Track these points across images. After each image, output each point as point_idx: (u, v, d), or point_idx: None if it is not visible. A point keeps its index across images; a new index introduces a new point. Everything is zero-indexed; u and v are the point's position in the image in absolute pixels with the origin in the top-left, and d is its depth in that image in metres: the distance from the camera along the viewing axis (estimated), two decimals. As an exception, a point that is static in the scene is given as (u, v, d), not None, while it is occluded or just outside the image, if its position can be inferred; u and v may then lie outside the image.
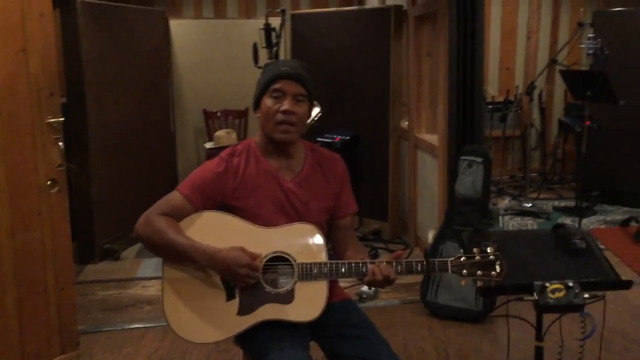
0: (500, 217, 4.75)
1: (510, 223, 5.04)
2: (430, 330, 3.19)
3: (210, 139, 5.36)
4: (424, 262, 1.75)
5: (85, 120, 4.16)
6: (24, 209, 2.64)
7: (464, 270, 1.74)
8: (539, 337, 1.93)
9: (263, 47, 4.13)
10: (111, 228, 4.36)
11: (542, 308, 1.77)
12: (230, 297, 1.75)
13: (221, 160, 1.89)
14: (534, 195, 5.69)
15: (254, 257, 1.74)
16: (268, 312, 1.74)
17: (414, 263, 1.75)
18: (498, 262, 1.74)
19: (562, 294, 1.75)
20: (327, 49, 4.75)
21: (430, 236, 3.61)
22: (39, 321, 2.73)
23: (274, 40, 4.13)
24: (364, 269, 1.75)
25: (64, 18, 4.12)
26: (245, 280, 1.73)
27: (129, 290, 3.82)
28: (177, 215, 1.81)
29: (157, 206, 1.82)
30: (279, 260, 1.79)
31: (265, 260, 1.78)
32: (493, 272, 1.74)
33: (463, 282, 1.75)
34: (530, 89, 5.19)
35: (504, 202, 5.53)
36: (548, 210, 5.27)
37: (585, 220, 4.93)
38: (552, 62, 5.04)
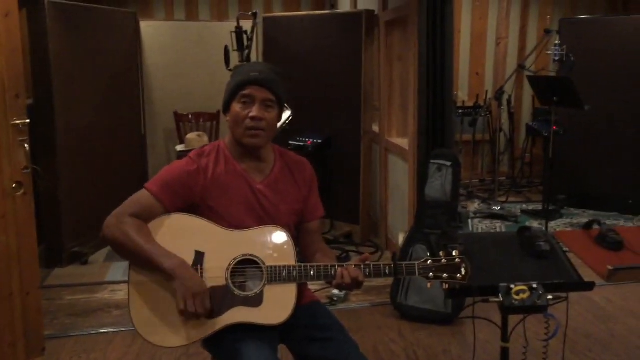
0: (469, 220, 4.82)
1: (480, 226, 5.11)
2: (400, 333, 3.22)
3: (182, 142, 5.32)
4: (392, 265, 1.76)
5: (53, 122, 4.09)
6: (-12, 212, 2.59)
7: (431, 273, 1.76)
8: (505, 338, 1.96)
9: (234, 50, 4.12)
10: (79, 231, 4.30)
11: (506, 309, 1.80)
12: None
13: (190, 160, 1.88)
14: (503, 198, 5.79)
15: (207, 302, 1.71)
16: (236, 315, 1.73)
17: (382, 266, 1.77)
18: (463, 265, 1.77)
19: (526, 295, 1.78)
20: (299, 53, 4.75)
21: (401, 239, 3.65)
22: (4, 326, 2.67)
23: (245, 43, 4.13)
24: (332, 272, 1.76)
25: (31, 18, 4.05)
26: (189, 305, 1.67)
27: (97, 295, 3.77)
28: (146, 216, 1.79)
29: (126, 206, 1.80)
30: (248, 263, 1.79)
31: (234, 264, 1.77)
32: (458, 275, 1.76)
33: (429, 285, 1.78)
34: (499, 94, 5.27)
35: (474, 206, 5.61)
36: (516, 214, 5.36)
37: (552, 223, 5.02)
38: (520, 68, 5.13)
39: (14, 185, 2.68)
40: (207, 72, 5.57)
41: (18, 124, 2.67)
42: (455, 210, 3.46)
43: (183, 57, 5.64)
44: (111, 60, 4.70)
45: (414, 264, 1.77)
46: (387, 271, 1.77)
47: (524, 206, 5.66)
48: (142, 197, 1.82)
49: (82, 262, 4.29)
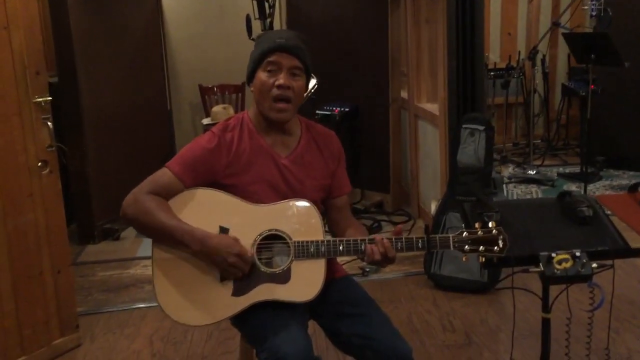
0: (504, 186, 4.67)
1: (514, 191, 4.97)
2: (434, 303, 3.15)
3: (207, 115, 5.27)
4: (425, 239, 1.68)
5: (78, 99, 4.07)
6: (14, 191, 2.57)
7: (466, 247, 1.67)
8: (546, 308, 1.87)
9: (256, 19, 4.00)
10: (110, 208, 4.29)
11: (548, 279, 1.71)
12: (224, 277, 1.69)
13: (213, 136, 1.80)
14: (538, 162, 5.61)
15: (245, 252, 1.67)
16: (264, 292, 1.68)
17: (414, 240, 1.69)
18: (501, 237, 1.67)
19: (569, 264, 1.68)
20: (323, 19, 4.63)
21: (433, 207, 3.55)
22: (36, 305, 2.69)
23: (267, 11, 4.01)
24: (362, 247, 1.69)
25: (52, -6, 4.01)
26: (232, 269, 1.66)
27: (129, 270, 3.78)
28: (167, 195, 1.73)
29: (146, 184, 1.75)
30: (274, 238, 1.72)
31: (260, 239, 1.71)
32: (496, 248, 1.67)
33: (464, 259, 1.69)
34: (532, 54, 5.06)
35: (508, 170, 5.45)
36: (553, 177, 5.19)
37: (590, 186, 4.85)
38: (555, 25, 4.90)
39: (39, 163, 2.66)
40: (230, 43, 5.48)
41: (40, 101, 2.64)
42: (489, 176, 3.34)
43: (205, 28, 5.55)
44: (133, 35, 4.65)
45: (449, 236, 1.68)
46: (419, 245, 1.69)
47: (561, 169, 5.48)
48: (162, 175, 1.76)
49: (114, 238, 4.31)
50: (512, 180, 5.18)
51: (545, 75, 5.98)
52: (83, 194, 4.20)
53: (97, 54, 4.23)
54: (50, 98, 2.68)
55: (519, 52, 6.08)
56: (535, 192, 4.93)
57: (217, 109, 4.96)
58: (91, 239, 4.27)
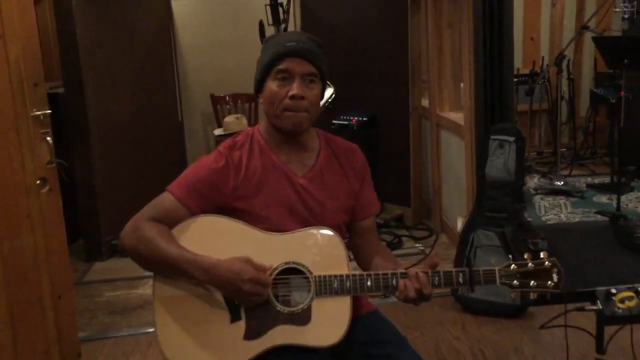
0: (532, 198, 4.44)
1: (542, 203, 4.71)
2: (463, 328, 2.92)
3: (219, 125, 5.09)
4: (466, 273, 1.46)
5: (85, 110, 3.91)
6: (11, 212, 2.38)
7: (515, 281, 1.45)
8: (600, 349, 1.65)
9: (270, 25, 3.82)
10: (118, 223, 4.03)
11: (608, 320, 1.49)
12: (235, 318, 1.48)
13: (219, 155, 1.60)
14: (565, 172, 5.35)
15: (262, 269, 1.47)
16: (280, 335, 1.46)
17: (453, 274, 1.47)
18: (555, 270, 1.45)
19: (633, 302, 1.46)
20: (340, 24, 4.44)
21: (460, 224, 3.33)
22: (35, 333, 2.49)
23: (281, 17, 3.82)
24: (394, 282, 1.47)
25: (57, 1, 3.85)
26: (250, 298, 1.45)
27: (137, 290, 3.59)
28: (169, 222, 1.53)
29: (146, 211, 1.55)
30: (292, 272, 1.51)
31: (275, 274, 1.50)
32: (549, 282, 1.45)
33: (513, 295, 1.46)
34: (559, 59, 4.82)
35: (533, 181, 5.20)
36: (582, 188, 4.93)
37: (623, 198, 4.57)
38: (584, 29, 4.65)
39: (37, 181, 2.47)
40: (243, 51, 5.29)
41: (39, 115, 2.45)
42: (521, 190, 3.10)
43: (217, 35, 5.37)
44: (143, 43, 4.48)
45: (494, 269, 1.46)
46: (460, 280, 1.47)
47: (589, 179, 5.21)
48: (164, 201, 1.56)
49: (122, 255, 4.12)
50: (539, 191, 4.93)
51: (570, 82, 5.73)
52: (90, 208, 4.03)
53: (105, 62, 4.07)
54: (49, 111, 2.49)
55: (542, 57, 5.85)
56: (564, 204, 4.67)
57: (229, 119, 4.77)
58: (98, 255, 4.10)
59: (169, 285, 1.51)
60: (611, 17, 5.63)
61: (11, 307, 2.40)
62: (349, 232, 1.73)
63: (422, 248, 3.94)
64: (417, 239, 4.12)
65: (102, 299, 3.51)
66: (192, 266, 1.45)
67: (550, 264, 1.45)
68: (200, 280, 1.46)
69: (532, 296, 1.46)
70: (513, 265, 1.46)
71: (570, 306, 1.50)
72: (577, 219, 4.27)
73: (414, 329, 2.92)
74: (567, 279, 1.52)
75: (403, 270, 1.49)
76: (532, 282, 1.45)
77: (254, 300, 1.46)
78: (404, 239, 4.12)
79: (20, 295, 2.43)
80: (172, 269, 1.48)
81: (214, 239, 1.52)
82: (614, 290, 1.50)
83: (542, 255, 1.47)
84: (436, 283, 1.47)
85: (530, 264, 1.46)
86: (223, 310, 1.48)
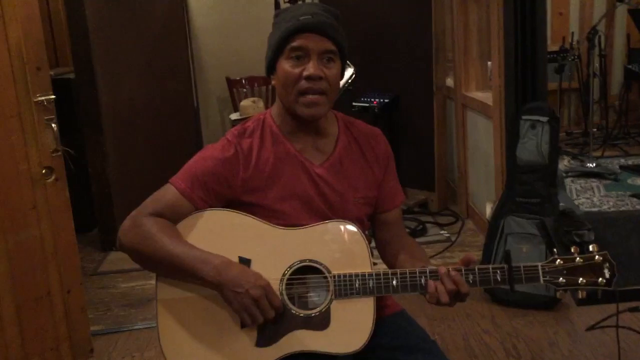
0: (564, 182, 4.22)
1: (573, 186, 4.49)
2: (493, 321, 2.75)
3: (235, 110, 4.94)
4: (505, 269, 1.29)
5: (96, 96, 3.77)
6: (15, 203, 2.28)
7: (561, 278, 1.28)
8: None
9: (286, 2, 3.65)
10: (133, 211, 4.02)
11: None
12: (245, 322, 1.33)
13: (227, 143, 1.44)
14: (597, 153, 5.10)
15: (273, 290, 1.31)
16: (297, 342, 1.31)
17: (490, 271, 1.31)
18: (607, 265, 1.27)
19: (696, 303, 1.27)
20: (359, 1, 4.24)
21: (489, 210, 3.15)
22: (44, 330, 2.40)
23: (298, -7, 3.65)
24: (422, 281, 1.31)
25: (65, -17, 3.73)
26: (253, 310, 1.27)
27: (153, 281, 3.43)
28: (172, 217, 1.39)
29: (147, 205, 1.41)
30: (309, 271, 1.36)
31: (289, 273, 1.35)
32: (600, 279, 1.27)
33: (558, 294, 1.30)
34: (592, 34, 4.56)
35: (563, 163, 4.97)
36: (615, 170, 4.68)
37: (660, 180, 4.34)
38: (619, 1, 4.38)
39: (43, 171, 2.36)
40: (260, 31, 5.08)
41: (42, 100, 2.33)
42: (555, 174, 2.91)
43: (232, 16, 5.20)
44: (155, 25, 4.34)
45: (537, 265, 1.29)
46: (498, 277, 1.30)
47: (622, 161, 4.96)
48: (166, 193, 1.41)
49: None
50: (569, 174, 4.70)
51: (602, 58, 5.45)
52: (104, 197, 3.93)
53: (116, 46, 3.94)
54: (54, 96, 2.37)
55: (572, 32, 5.57)
56: (596, 186, 4.44)
57: (246, 102, 4.61)
58: (113, 245, 3.98)
59: (174, 286, 1.37)
60: (645, -11, 5.34)
61: (18, 304, 2.31)
62: (372, 226, 1.57)
63: (447, 235, 3.77)
64: (442, 226, 3.94)
65: (117, 290, 3.40)
66: (199, 265, 1.30)
67: (601, 257, 1.28)
68: (209, 280, 1.30)
69: (581, 295, 1.29)
70: (558, 260, 1.29)
71: (625, 310, 1.33)
72: (611, 203, 4.07)
73: (440, 322, 2.77)
74: (618, 276, 1.35)
75: (433, 267, 1.33)
76: (581, 279, 1.28)
77: (254, 312, 1.28)
78: (428, 225, 3.94)
79: (27, 290, 2.34)
80: (177, 269, 1.34)
81: (223, 235, 1.37)
82: (674, 289, 1.33)
83: (591, 248, 1.30)
84: (470, 282, 1.31)
85: (578, 258, 1.28)
86: (233, 314, 1.33)
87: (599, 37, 5.13)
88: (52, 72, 3.80)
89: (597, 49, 5.06)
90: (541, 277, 1.29)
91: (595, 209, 3.99)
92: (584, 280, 1.27)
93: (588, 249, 1.30)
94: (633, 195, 4.12)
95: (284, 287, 1.34)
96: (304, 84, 1.37)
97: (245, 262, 1.34)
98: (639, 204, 4.02)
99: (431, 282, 1.29)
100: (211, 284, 1.31)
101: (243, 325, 1.32)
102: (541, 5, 2.93)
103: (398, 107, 4.17)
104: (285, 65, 1.39)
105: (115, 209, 3.97)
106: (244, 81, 5.12)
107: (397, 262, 1.48)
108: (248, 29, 5.20)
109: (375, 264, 1.37)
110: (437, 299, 1.28)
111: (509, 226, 2.87)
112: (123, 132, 3.99)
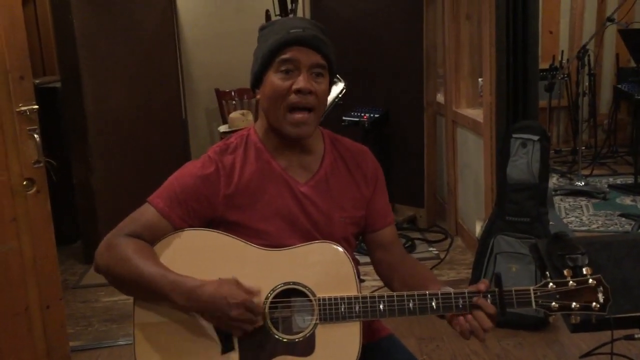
0: (553, 200, 4.21)
1: (562, 205, 4.50)
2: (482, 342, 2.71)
3: (224, 122, 4.89)
4: (495, 294, 1.26)
5: (82, 105, 3.72)
6: (-6, 216, 2.21)
7: (554, 303, 1.24)
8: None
9: (277, 15, 3.62)
10: (117, 224, 3.95)
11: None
12: (227, 349, 1.28)
13: (208, 160, 1.39)
14: (586, 172, 5.11)
15: (253, 293, 1.26)
16: (280, 368, 1.27)
17: (481, 295, 1.27)
18: (600, 289, 1.24)
19: (692, 332, 1.24)
20: (350, 14, 4.23)
21: (478, 228, 3.11)
22: (22, 346, 2.32)
23: (289, 6, 3.62)
24: (410, 305, 1.26)
25: (53, -9, 3.68)
26: (241, 325, 1.25)
27: (136, 296, 3.40)
28: (150, 237, 1.34)
29: (123, 225, 1.36)
30: (293, 294, 1.31)
31: (273, 295, 1.30)
32: (594, 304, 1.24)
33: (551, 320, 1.26)
34: (582, 53, 4.58)
35: (552, 181, 4.97)
36: (603, 189, 4.70)
37: (648, 200, 4.36)
38: (609, 21, 4.40)
39: (24, 182, 2.29)
40: (250, 43, 5.00)
41: (25, 110, 2.27)
42: (545, 193, 2.89)
43: (222, 28, 5.16)
44: (145, 36, 4.29)
45: (528, 289, 1.25)
46: (488, 302, 1.27)
47: (611, 180, 4.99)
48: (144, 213, 1.36)
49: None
50: (558, 192, 4.71)
51: (591, 77, 5.48)
52: (88, 208, 3.86)
53: (104, 56, 3.88)
54: (37, 106, 2.31)
55: (562, 51, 5.61)
56: (585, 205, 4.45)
57: (235, 115, 4.57)
58: (97, 257, 3.92)
59: (151, 310, 1.31)
60: (634, 10, 5.38)
61: (-6, 319, 2.24)
62: (368, 248, 1.52)
63: (436, 252, 3.73)
64: (431, 242, 3.91)
65: (99, 304, 3.33)
66: (171, 288, 1.25)
67: (594, 281, 1.24)
68: (181, 305, 1.25)
69: (574, 320, 1.25)
70: (551, 284, 1.25)
71: (621, 337, 1.29)
72: (600, 222, 4.06)
73: (429, 342, 2.72)
74: (613, 302, 1.31)
75: (421, 292, 1.28)
76: (574, 303, 1.24)
77: (244, 328, 1.25)
78: (417, 242, 3.91)
79: (5, 306, 2.26)
80: (150, 292, 1.28)
81: (203, 257, 1.32)
82: (669, 317, 1.30)
83: (584, 271, 1.26)
84: (460, 307, 1.27)
85: (571, 282, 1.25)
86: (213, 339, 1.28)
87: (589, 56, 5.17)
88: (38, 81, 3.78)
89: (586, 68, 5.09)
90: (533, 302, 1.25)
91: (584, 228, 3.99)
92: (577, 305, 1.24)
93: (581, 272, 1.27)
94: (622, 215, 4.12)
95: (267, 310, 1.29)
96: (293, 97, 1.34)
97: (226, 284, 1.29)
98: (628, 223, 4.02)
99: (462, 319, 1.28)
100: (184, 308, 1.27)
101: (224, 351, 1.27)
102: (533, 23, 2.92)
103: (388, 122, 4.15)
104: (274, 78, 1.35)
105: (99, 220, 3.89)
106: (233, 93, 5.09)
107: (393, 283, 1.43)
108: (238, 40, 5.17)
109: (362, 280, 1.33)
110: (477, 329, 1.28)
111: (499, 245, 2.84)
112: (109, 142, 3.92)
